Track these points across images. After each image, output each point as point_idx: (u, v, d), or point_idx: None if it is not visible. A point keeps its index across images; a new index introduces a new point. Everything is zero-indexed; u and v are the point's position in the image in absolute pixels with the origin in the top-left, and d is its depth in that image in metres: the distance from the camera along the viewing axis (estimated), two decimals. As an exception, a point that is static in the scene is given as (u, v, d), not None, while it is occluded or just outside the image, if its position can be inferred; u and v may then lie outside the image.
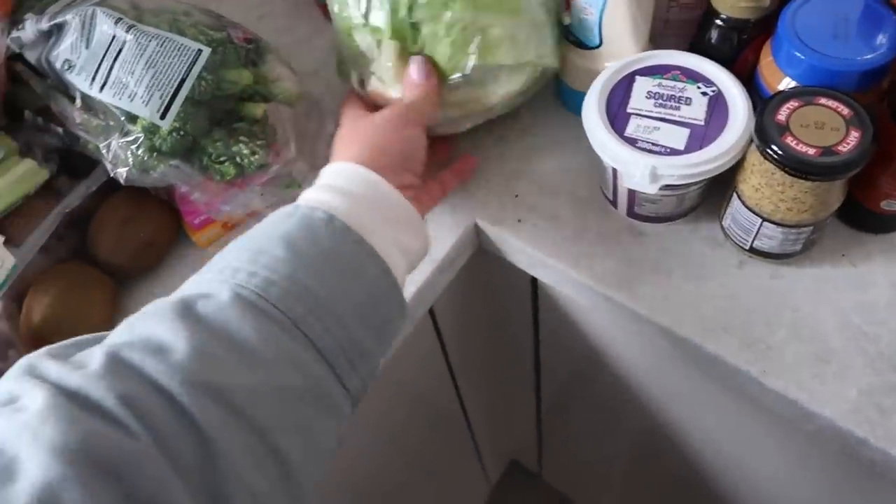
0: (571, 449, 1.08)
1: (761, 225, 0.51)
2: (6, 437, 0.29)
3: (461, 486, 1.21)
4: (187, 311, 0.36)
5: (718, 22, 0.54)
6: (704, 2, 0.55)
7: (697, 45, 0.58)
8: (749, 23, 0.53)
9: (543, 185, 0.61)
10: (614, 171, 0.53)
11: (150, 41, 0.53)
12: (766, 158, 0.47)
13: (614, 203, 0.57)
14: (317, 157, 0.60)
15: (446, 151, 0.62)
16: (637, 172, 0.49)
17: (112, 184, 0.59)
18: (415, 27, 0.52)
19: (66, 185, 0.59)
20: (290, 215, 0.42)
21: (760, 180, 0.49)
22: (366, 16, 0.53)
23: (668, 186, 0.50)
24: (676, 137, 0.51)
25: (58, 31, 0.55)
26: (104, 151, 0.54)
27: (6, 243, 0.54)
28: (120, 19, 0.53)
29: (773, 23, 0.52)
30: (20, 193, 0.54)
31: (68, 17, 0.55)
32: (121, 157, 0.54)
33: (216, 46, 0.54)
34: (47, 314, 0.53)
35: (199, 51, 0.53)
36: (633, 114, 0.52)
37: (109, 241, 0.57)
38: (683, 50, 0.61)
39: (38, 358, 0.34)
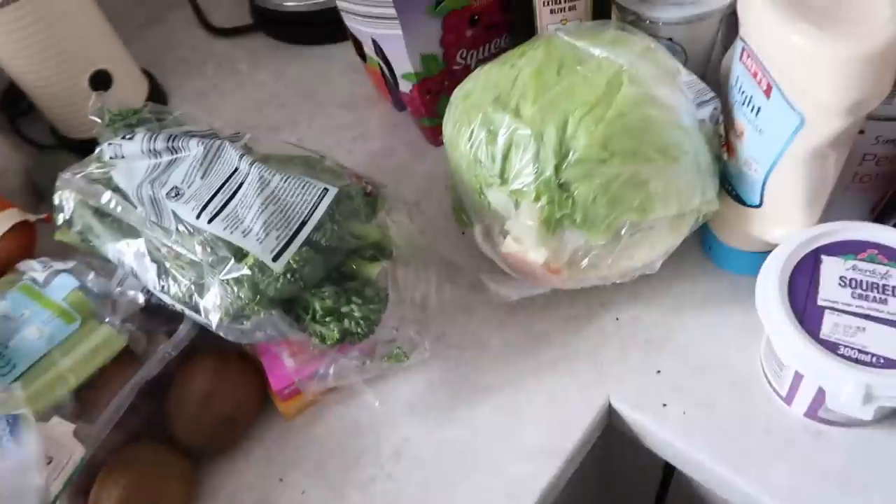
0: None
1: None
2: None
3: None
4: None
5: (926, 187, 0.45)
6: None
7: (892, 207, 0.48)
8: (971, 193, 0.43)
9: (691, 358, 0.52)
10: (799, 374, 0.43)
11: (273, 175, 0.47)
12: None
13: (787, 400, 0.47)
14: (426, 325, 0.52)
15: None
16: (845, 391, 0.39)
17: (192, 344, 0.52)
18: (563, 187, 0.44)
19: (142, 345, 0.52)
20: None
21: None
22: (502, 175, 0.45)
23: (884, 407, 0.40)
24: (890, 343, 0.41)
25: (170, 153, 0.49)
26: (196, 294, 0.47)
27: (78, 419, 0.47)
28: (245, 154, 0.49)
29: None
30: (96, 366, 0.47)
31: (191, 143, 0.50)
32: (215, 299, 0.46)
33: (344, 188, 0.48)
34: (115, 512, 0.46)
35: (326, 189, 0.47)
36: (826, 307, 0.43)
37: (187, 421, 0.49)
38: (867, 210, 0.52)
39: None
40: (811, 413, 0.46)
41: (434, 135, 0.66)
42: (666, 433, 0.49)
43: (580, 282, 0.49)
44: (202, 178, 0.48)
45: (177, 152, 0.50)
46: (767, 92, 0.41)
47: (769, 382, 0.48)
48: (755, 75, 0.42)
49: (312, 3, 0.74)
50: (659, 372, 0.51)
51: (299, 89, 0.75)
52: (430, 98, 0.62)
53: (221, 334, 0.47)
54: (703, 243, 0.56)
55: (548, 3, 0.51)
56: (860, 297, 0.43)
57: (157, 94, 0.75)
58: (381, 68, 0.64)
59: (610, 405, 0.51)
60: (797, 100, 0.40)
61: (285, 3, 0.75)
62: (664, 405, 0.50)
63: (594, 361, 0.53)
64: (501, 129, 0.44)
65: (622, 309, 0.55)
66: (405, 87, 0.62)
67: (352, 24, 0.61)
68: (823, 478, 0.45)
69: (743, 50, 0.43)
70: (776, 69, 0.40)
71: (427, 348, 0.50)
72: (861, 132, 0.47)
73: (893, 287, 0.43)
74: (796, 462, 0.46)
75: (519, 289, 0.51)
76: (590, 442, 0.52)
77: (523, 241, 0.47)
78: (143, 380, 0.49)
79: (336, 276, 0.48)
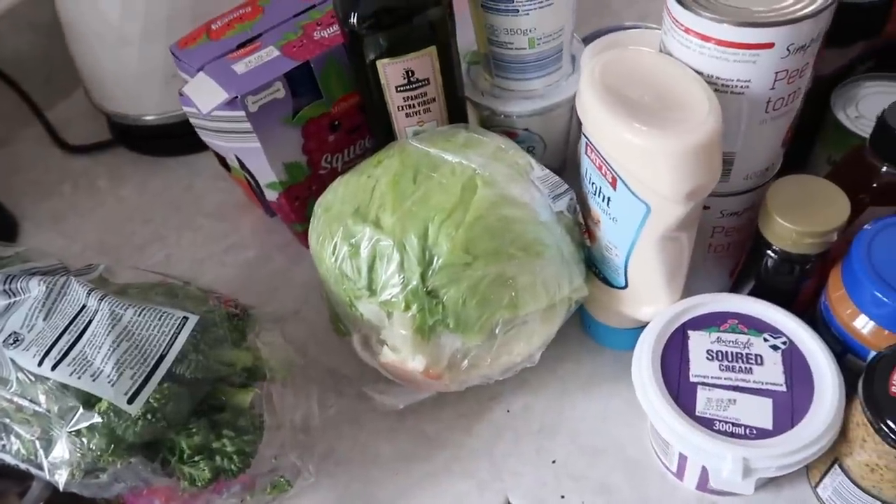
0: None
1: (879, 510, 0.41)
2: None
3: None
4: None
5: (772, 254, 0.47)
6: (751, 226, 0.49)
7: (745, 274, 0.50)
8: (811, 256, 0.46)
9: (584, 443, 0.51)
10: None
11: (126, 310, 0.44)
12: (887, 443, 0.38)
13: (678, 475, 0.47)
14: (310, 447, 0.49)
15: None
16: (725, 467, 0.40)
17: (49, 502, 0.47)
18: (432, 294, 0.43)
19: (-10, 513, 0.46)
20: None
21: (877, 460, 0.40)
22: (370, 287, 0.44)
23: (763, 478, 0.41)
24: (760, 412, 0.42)
25: (7, 296, 0.46)
26: (41, 450, 0.43)
27: None
28: (94, 290, 0.45)
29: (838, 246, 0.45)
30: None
31: (31, 283, 0.46)
32: (63, 454, 0.42)
33: (207, 314, 0.45)
34: None
35: (185, 318, 0.44)
36: (699, 384, 0.44)
37: None
38: (726, 275, 0.55)
39: None
40: (702, 486, 0.47)
41: (307, 239, 0.64)
42: (568, 527, 0.48)
43: (463, 383, 0.48)
44: (45, 319, 0.44)
45: (15, 295, 0.46)
46: (613, 184, 0.43)
47: (660, 459, 0.49)
48: (600, 168, 0.44)
49: (172, 115, 0.72)
50: (554, 462, 0.51)
51: (164, 202, 0.73)
52: (298, 204, 0.61)
53: (74, 491, 0.42)
54: (582, 323, 0.56)
55: (402, 108, 0.52)
56: (727, 368, 0.44)
57: (5, 223, 0.70)
58: (246, 178, 0.62)
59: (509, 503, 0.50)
60: (640, 190, 0.41)
61: (144, 117, 0.73)
62: (562, 497, 0.49)
63: (489, 459, 0.51)
64: (363, 241, 0.44)
65: (511, 400, 0.54)
66: (272, 196, 0.60)
67: (209, 139, 0.59)
68: (722, 550, 0.46)
69: (587, 145, 0.45)
70: (617, 164, 0.42)
71: (312, 472, 0.47)
72: (707, 207, 0.50)
73: (756, 355, 0.44)
74: (695, 538, 0.46)
75: (404, 396, 0.50)
76: (494, 547, 0.50)
77: (401, 350, 0.46)
78: (-10, 557, 0.43)
79: (205, 409, 0.45)
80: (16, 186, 0.75)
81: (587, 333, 0.57)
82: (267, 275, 0.65)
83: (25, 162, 0.78)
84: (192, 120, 0.58)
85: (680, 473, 0.47)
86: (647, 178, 0.40)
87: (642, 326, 0.48)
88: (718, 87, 0.41)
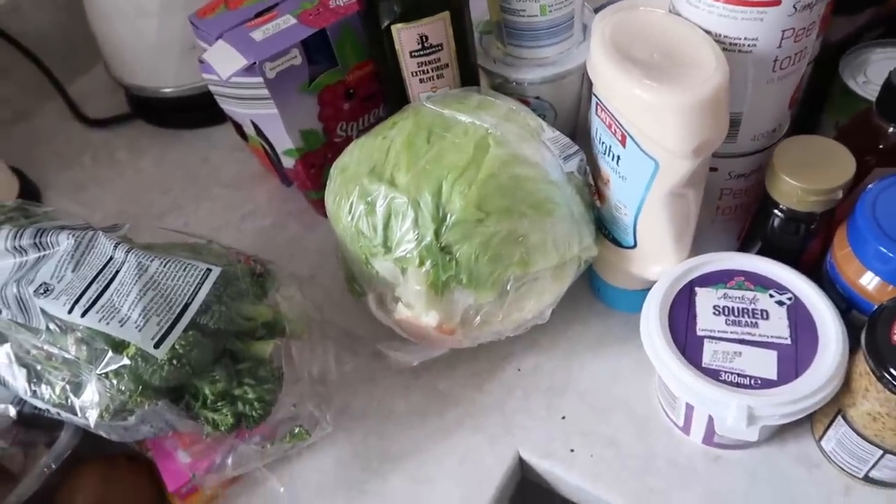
0: None
1: (883, 456, 0.42)
2: None
3: None
4: None
5: (778, 213, 0.48)
6: (759, 188, 0.50)
7: (753, 235, 0.51)
8: (816, 215, 0.47)
9: (592, 401, 0.53)
10: (689, 404, 0.44)
11: (152, 261, 0.46)
12: (889, 389, 0.39)
13: (685, 429, 0.49)
14: (327, 399, 0.51)
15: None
16: (730, 415, 0.41)
17: (75, 452, 0.48)
18: (445, 250, 0.45)
19: (19, 461, 0.48)
20: None
21: (879, 409, 0.41)
22: (385, 244, 0.45)
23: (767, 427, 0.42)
24: (765, 363, 0.43)
25: (38, 249, 0.47)
26: (72, 394, 0.44)
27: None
28: (121, 243, 0.47)
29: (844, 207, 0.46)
30: (-37, 492, 0.43)
31: (60, 237, 0.48)
32: (93, 396, 0.44)
33: (229, 267, 0.47)
34: None
35: (209, 270, 0.45)
36: (705, 337, 0.45)
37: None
38: (734, 237, 0.56)
39: None
40: (707, 440, 0.48)
41: (323, 207, 0.65)
42: (576, 478, 0.49)
43: (475, 339, 0.49)
44: (73, 271, 0.46)
45: (45, 248, 0.47)
46: (623, 141, 0.44)
47: (667, 414, 0.50)
48: (610, 127, 0.45)
49: (190, 88, 0.74)
50: (564, 418, 0.52)
51: (183, 173, 0.74)
52: (314, 172, 0.62)
53: (103, 434, 0.44)
54: (592, 286, 0.58)
55: (416, 74, 0.53)
56: (734, 323, 0.45)
57: (29, 192, 0.71)
58: (263, 147, 0.64)
59: (520, 457, 0.51)
60: (649, 147, 0.42)
61: (162, 90, 0.75)
62: (572, 450, 0.50)
63: (500, 414, 0.53)
64: (379, 199, 0.45)
65: (522, 359, 0.56)
66: (288, 163, 0.62)
67: (227, 106, 0.61)
68: (727, 500, 0.47)
69: (597, 104, 0.46)
70: (627, 121, 0.43)
71: (329, 422, 0.49)
72: (715, 169, 0.51)
73: (762, 310, 0.46)
74: (700, 489, 0.47)
75: (418, 353, 0.51)
76: (505, 498, 0.51)
77: (415, 306, 0.47)
78: (21, 499, 0.45)
79: (227, 359, 0.47)
80: (38, 158, 0.77)
81: (597, 297, 0.58)
82: (283, 242, 0.67)
83: (47, 134, 0.80)
84: (211, 87, 0.60)
85: (686, 427, 0.48)
86: (656, 133, 0.41)
87: (650, 288, 0.49)
88: (726, 46, 0.42)
